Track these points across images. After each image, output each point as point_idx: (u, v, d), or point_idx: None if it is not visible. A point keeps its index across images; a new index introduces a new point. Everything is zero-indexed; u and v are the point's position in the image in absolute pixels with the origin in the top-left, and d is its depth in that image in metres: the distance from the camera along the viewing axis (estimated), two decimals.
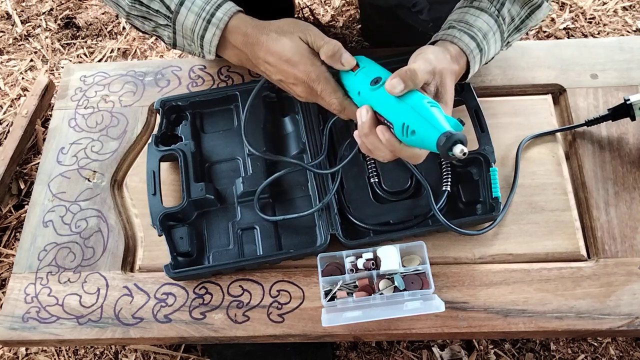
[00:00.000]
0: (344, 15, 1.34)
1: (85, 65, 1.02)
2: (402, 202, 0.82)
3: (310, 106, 0.86)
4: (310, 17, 1.34)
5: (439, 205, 0.79)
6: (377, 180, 0.83)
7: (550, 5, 0.76)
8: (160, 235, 0.79)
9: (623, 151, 0.86)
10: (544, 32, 1.29)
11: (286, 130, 0.89)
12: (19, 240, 0.96)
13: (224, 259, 0.80)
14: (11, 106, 1.27)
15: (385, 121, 0.65)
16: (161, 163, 0.84)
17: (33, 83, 1.28)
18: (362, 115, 0.65)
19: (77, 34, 1.38)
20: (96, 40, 1.37)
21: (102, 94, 0.97)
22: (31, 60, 1.34)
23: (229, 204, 0.85)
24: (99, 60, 1.33)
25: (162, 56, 1.33)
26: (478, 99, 0.84)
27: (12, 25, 1.40)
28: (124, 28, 1.38)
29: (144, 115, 0.94)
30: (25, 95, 1.28)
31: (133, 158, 0.91)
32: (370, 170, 0.83)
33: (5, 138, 1.20)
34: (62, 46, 1.36)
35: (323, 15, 1.34)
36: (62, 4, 1.43)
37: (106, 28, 1.38)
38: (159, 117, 0.89)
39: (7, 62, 1.34)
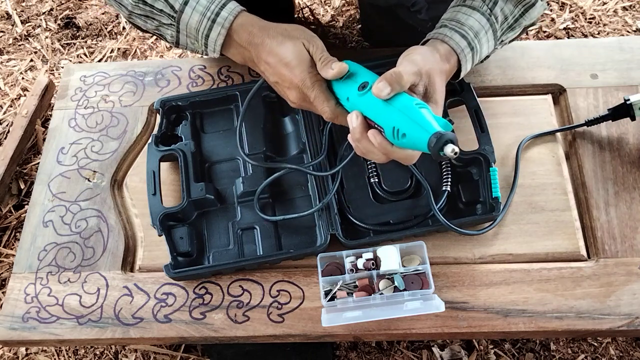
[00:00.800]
0: (344, 15, 1.34)
1: (85, 65, 1.02)
2: (402, 202, 0.82)
3: None
4: (310, 17, 1.34)
5: (439, 205, 0.79)
6: (377, 180, 0.83)
7: (544, 4, 0.76)
8: (160, 235, 0.79)
9: (623, 151, 0.86)
10: (544, 32, 1.29)
11: (286, 130, 0.89)
12: (19, 240, 0.96)
13: (224, 259, 0.80)
14: (11, 106, 1.27)
15: (376, 125, 0.65)
16: (161, 163, 0.84)
17: (33, 83, 1.28)
18: (353, 121, 0.66)
19: (77, 34, 1.38)
20: (96, 40, 1.37)
21: (102, 94, 0.97)
22: (31, 60, 1.34)
23: (229, 204, 0.85)
24: (99, 60, 1.33)
25: (162, 56, 1.33)
26: (478, 99, 0.84)
27: (12, 25, 1.40)
28: (124, 28, 1.38)
29: (144, 115, 0.94)
30: (25, 95, 1.28)
31: (133, 158, 0.91)
32: (370, 170, 0.83)
33: (5, 138, 1.20)
34: (62, 46, 1.36)
35: (323, 15, 1.34)
36: (62, 4, 1.43)
37: (106, 28, 1.38)
38: (159, 117, 0.89)
39: (7, 62, 1.34)
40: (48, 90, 1.24)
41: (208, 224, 0.84)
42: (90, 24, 1.39)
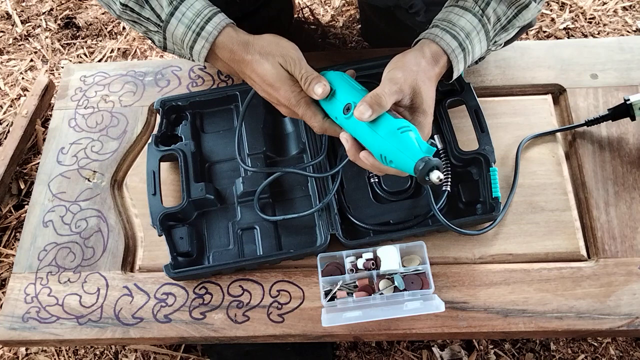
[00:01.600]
0: (344, 15, 1.34)
1: (85, 65, 1.02)
2: (402, 202, 0.82)
3: None
4: (310, 17, 1.34)
5: (439, 205, 0.79)
6: (377, 180, 0.83)
7: (539, 6, 0.76)
8: (160, 235, 0.79)
9: (623, 151, 0.86)
10: (544, 32, 1.29)
11: (286, 130, 0.89)
12: (19, 240, 0.96)
13: (224, 259, 0.80)
14: (11, 106, 1.27)
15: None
16: (161, 163, 0.84)
17: (33, 83, 1.28)
18: (344, 143, 0.68)
19: (77, 34, 1.38)
20: (96, 40, 1.37)
21: (102, 94, 0.97)
22: (31, 60, 1.34)
23: (229, 204, 0.85)
24: (99, 60, 1.33)
25: (162, 56, 1.33)
26: (478, 99, 0.84)
27: (12, 25, 1.40)
28: (123, 28, 1.38)
29: (144, 115, 0.94)
30: (25, 95, 1.28)
31: (133, 158, 0.91)
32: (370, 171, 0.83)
33: (5, 138, 1.20)
34: (62, 46, 1.36)
35: (323, 16, 1.34)
36: (62, 4, 1.43)
37: (106, 28, 1.38)
38: (159, 117, 0.89)
39: (7, 62, 1.34)
40: (48, 90, 1.24)
41: (208, 224, 0.84)
42: (90, 24, 1.39)
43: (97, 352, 1.00)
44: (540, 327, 0.74)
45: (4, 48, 1.37)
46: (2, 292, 1.05)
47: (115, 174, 0.90)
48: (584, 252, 0.79)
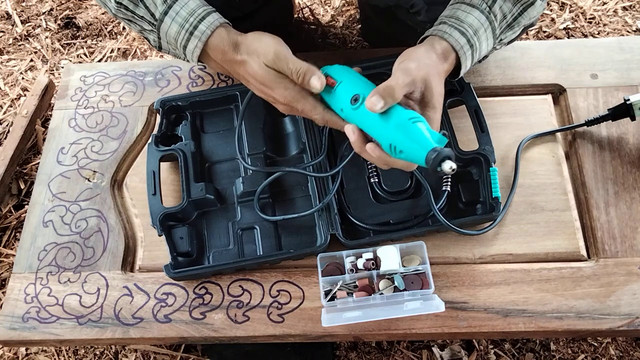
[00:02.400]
0: (344, 15, 1.34)
1: (85, 65, 1.02)
2: (402, 202, 0.82)
3: None
4: (310, 17, 1.34)
5: (439, 205, 0.79)
6: (377, 180, 0.83)
7: (544, 4, 0.76)
8: (160, 235, 0.79)
9: (623, 151, 0.86)
10: (544, 32, 1.29)
11: (286, 130, 0.89)
12: (19, 240, 0.96)
13: (224, 259, 0.80)
14: (11, 106, 1.27)
15: (374, 139, 0.66)
16: (161, 163, 0.84)
17: (33, 83, 1.28)
18: (350, 136, 0.67)
19: (77, 34, 1.38)
20: (96, 40, 1.37)
21: (102, 94, 0.97)
22: (31, 60, 1.34)
23: (229, 204, 0.85)
24: (99, 60, 1.33)
25: (162, 56, 1.33)
26: (478, 99, 0.84)
27: (12, 25, 1.40)
28: (124, 28, 1.38)
29: (144, 115, 0.94)
30: (25, 95, 1.28)
31: (133, 158, 0.91)
32: (370, 171, 0.83)
33: (5, 138, 1.20)
34: (62, 46, 1.36)
35: (323, 16, 1.34)
36: (62, 4, 1.43)
37: (106, 28, 1.38)
38: (159, 117, 0.89)
39: (7, 62, 1.34)
40: (48, 90, 1.23)
41: (208, 224, 0.84)
42: (90, 24, 1.39)
43: (97, 352, 1.00)
44: (540, 327, 0.74)
45: (4, 48, 1.37)
46: (2, 292, 1.05)
47: (115, 174, 0.90)
48: (584, 252, 0.79)
